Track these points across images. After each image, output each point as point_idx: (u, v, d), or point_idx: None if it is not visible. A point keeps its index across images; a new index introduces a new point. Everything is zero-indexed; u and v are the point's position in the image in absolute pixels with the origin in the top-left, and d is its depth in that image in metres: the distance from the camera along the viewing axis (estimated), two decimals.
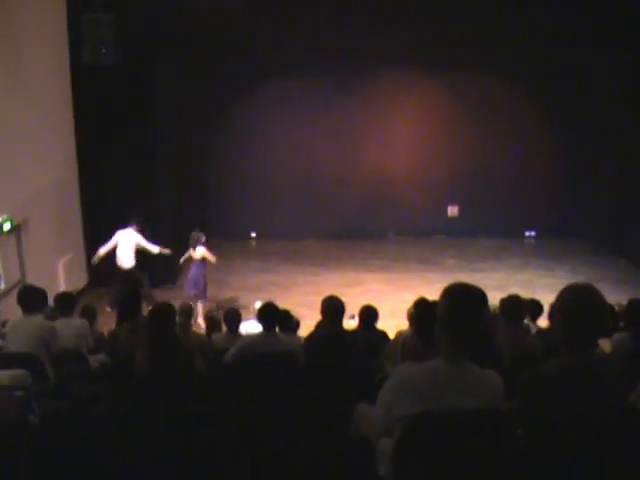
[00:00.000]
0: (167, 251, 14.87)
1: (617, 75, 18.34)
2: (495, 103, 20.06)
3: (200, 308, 14.21)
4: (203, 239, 14.57)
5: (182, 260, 15.01)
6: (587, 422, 3.65)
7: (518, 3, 18.13)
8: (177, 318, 8.03)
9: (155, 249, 14.76)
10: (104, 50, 13.23)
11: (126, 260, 14.68)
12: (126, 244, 14.67)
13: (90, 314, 10.06)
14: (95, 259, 14.65)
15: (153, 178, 16.19)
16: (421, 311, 5.23)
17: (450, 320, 3.85)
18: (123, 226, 14.71)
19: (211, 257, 14.57)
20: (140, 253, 14.79)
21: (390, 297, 15.14)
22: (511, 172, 20.34)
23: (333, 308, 8.04)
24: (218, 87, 19.24)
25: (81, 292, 15.28)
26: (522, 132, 20.30)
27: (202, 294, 14.46)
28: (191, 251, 14.57)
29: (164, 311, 6.66)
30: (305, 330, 9.82)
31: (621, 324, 8.60)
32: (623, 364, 6.85)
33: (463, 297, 3.91)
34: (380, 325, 9.92)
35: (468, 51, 19.03)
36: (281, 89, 19.68)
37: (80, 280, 15.90)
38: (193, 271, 14.54)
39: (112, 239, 14.60)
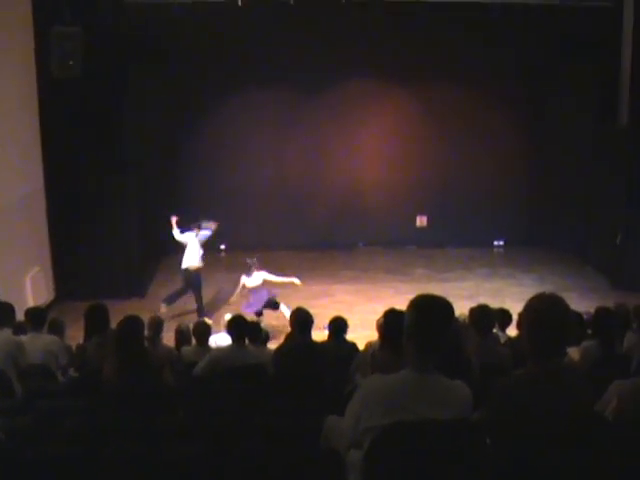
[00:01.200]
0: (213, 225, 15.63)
1: (585, 87, 18.53)
2: (464, 114, 20.12)
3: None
4: (256, 265, 14.62)
5: (237, 292, 14.79)
6: (554, 431, 3.66)
7: (485, 14, 18.22)
8: (146, 331, 8.00)
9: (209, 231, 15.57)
10: (72, 63, 13.17)
11: (193, 260, 15.12)
12: (191, 246, 15.21)
13: (58, 328, 9.97)
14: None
15: (121, 191, 16.10)
16: (388, 322, 5.23)
17: (417, 331, 3.87)
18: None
19: (275, 278, 14.68)
20: None
21: (360, 308, 15.13)
22: (479, 182, 20.40)
23: (301, 320, 8.07)
24: (187, 99, 19.15)
25: (48, 306, 15.13)
26: (490, 143, 20.37)
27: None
28: (245, 278, 14.52)
29: (132, 324, 6.62)
30: (275, 342, 9.80)
31: (589, 332, 8.68)
32: (590, 372, 6.90)
33: (429, 308, 3.92)
34: (350, 336, 9.92)
35: (437, 62, 19.09)
36: (251, 101, 19.61)
37: (47, 294, 15.76)
38: (259, 294, 14.49)
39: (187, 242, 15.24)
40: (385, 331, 5.25)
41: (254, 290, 14.53)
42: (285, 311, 13.75)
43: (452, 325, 3.97)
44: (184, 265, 15.18)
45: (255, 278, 14.49)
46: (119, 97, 15.75)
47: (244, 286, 14.57)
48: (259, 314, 14.16)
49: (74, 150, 15.52)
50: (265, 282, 14.54)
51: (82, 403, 6.20)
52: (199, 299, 15.32)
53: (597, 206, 18.51)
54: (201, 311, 15.11)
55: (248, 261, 14.61)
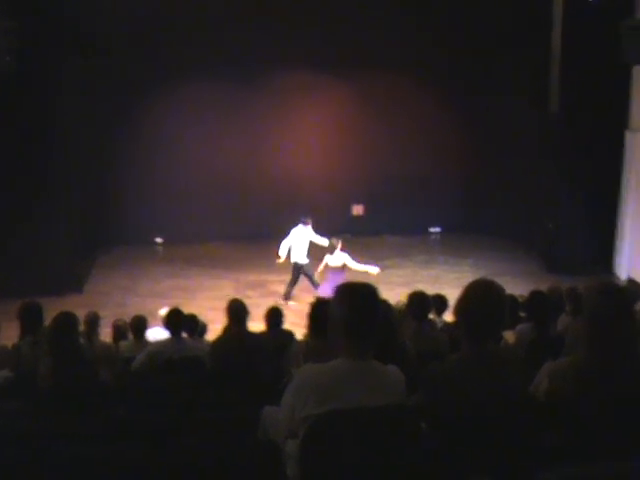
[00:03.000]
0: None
1: (519, 75, 18.78)
2: (399, 102, 20.25)
3: None
4: (340, 245, 14.54)
5: (320, 269, 14.88)
6: (488, 414, 3.71)
7: (417, 3, 18.32)
8: (81, 327, 7.93)
9: (325, 242, 15.23)
10: (9, 59, 12.87)
11: (301, 256, 15.23)
12: (300, 241, 15.33)
13: None
14: (281, 260, 15.48)
15: (54, 186, 15.84)
16: (317, 311, 5.27)
17: (344, 320, 3.88)
18: (295, 224, 15.55)
19: (354, 265, 14.45)
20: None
21: (296, 298, 15.17)
22: (415, 169, 20.54)
23: (236, 310, 8.07)
24: (124, 91, 18.87)
25: None
26: (425, 130, 20.53)
27: None
28: (328, 257, 14.54)
29: (66, 321, 6.54)
30: (214, 334, 9.78)
31: (522, 314, 8.85)
32: (525, 354, 7.02)
33: (353, 296, 3.93)
34: (287, 326, 9.98)
35: (372, 50, 19.14)
36: (187, 92, 19.47)
37: None
38: (333, 278, 14.24)
39: (288, 237, 15.40)
40: (314, 320, 5.28)
41: (333, 272, 14.42)
42: None
43: (380, 310, 3.98)
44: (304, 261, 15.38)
45: (337, 258, 14.40)
46: (49, 89, 15.46)
47: (327, 265, 14.57)
48: None
49: (3, 147, 15.25)
50: (345, 266, 14.40)
51: (18, 404, 6.12)
52: (291, 284, 15.53)
53: (531, 192, 18.82)
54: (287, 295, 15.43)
55: (333, 240, 14.62)
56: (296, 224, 15.56)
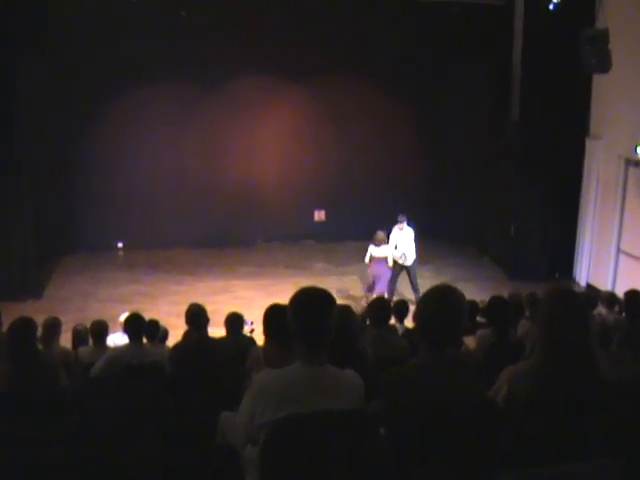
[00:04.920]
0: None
1: (480, 84, 18.92)
2: (361, 109, 20.30)
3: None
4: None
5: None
6: (446, 419, 3.73)
7: (379, 10, 18.34)
8: (40, 333, 7.85)
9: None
10: None
11: (411, 256, 15.31)
12: (406, 240, 15.34)
13: None
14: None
15: (15, 191, 15.65)
16: (270, 317, 5.26)
17: (297, 325, 3.88)
18: (393, 225, 15.59)
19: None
20: None
21: (259, 303, 14.99)
22: (377, 176, 20.60)
23: (194, 315, 8.04)
24: (83, 95, 18.71)
25: None
26: (387, 137, 20.59)
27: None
28: (373, 248, 15.29)
29: (24, 326, 6.49)
30: (176, 340, 9.74)
31: (479, 319, 8.92)
32: (485, 359, 7.05)
33: (307, 305, 3.93)
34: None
35: (333, 57, 19.18)
36: (149, 96, 19.35)
37: None
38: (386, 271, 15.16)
39: (390, 239, 15.48)
40: (268, 326, 5.27)
41: (378, 265, 15.20)
42: None
43: (333, 317, 3.97)
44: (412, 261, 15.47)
45: (382, 249, 15.18)
46: (10, 94, 15.32)
47: (372, 256, 15.30)
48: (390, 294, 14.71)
49: None
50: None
51: None
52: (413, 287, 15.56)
53: (492, 199, 18.95)
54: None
55: (379, 233, 15.20)
56: (395, 224, 15.67)
